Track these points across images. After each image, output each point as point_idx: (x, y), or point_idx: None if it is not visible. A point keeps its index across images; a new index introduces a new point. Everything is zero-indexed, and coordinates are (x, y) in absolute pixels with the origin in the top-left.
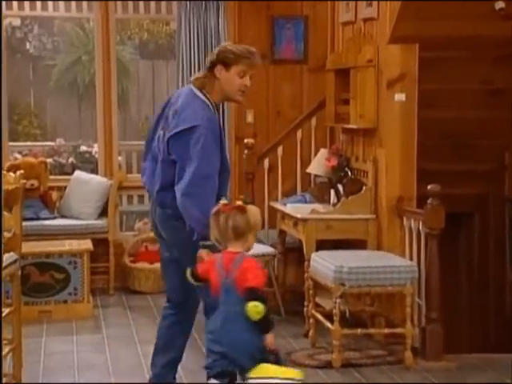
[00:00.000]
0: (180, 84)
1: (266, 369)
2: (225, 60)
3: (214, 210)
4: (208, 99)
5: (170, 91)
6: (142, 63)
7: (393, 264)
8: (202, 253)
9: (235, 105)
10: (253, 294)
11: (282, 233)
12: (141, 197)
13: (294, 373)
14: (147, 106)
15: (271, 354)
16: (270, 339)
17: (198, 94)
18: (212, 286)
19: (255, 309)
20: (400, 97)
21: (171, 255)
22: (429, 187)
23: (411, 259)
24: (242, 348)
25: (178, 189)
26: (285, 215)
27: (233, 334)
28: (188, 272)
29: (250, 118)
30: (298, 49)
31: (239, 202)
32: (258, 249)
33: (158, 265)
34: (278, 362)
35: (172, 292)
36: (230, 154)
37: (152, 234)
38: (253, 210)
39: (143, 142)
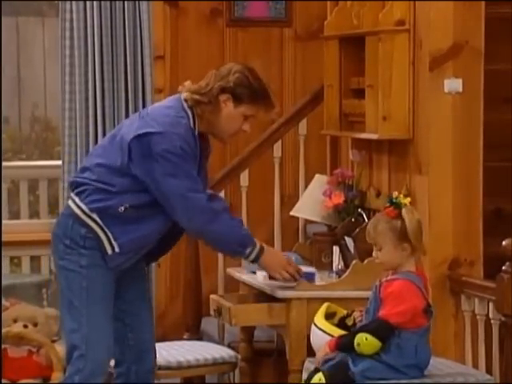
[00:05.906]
0: (66, 58)
1: None
2: (239, 95)
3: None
4: (194, 124)
5: (48, 72)
6: None
7: (444, 372)
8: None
9: None
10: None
11: None
12: None
13: None
14: (9, 98)
15: None
16: None
17: (186, 108)
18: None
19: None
20: (453, 85)
21: None
22: (505, 243)
23: (476, 367)
24: None
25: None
26: (253, 292)
27: None
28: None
29: None
30: (276, 2)
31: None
32: (206, 351)
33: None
34: None
35: None
36: None
37: (16, 330)
38: None
39: None
